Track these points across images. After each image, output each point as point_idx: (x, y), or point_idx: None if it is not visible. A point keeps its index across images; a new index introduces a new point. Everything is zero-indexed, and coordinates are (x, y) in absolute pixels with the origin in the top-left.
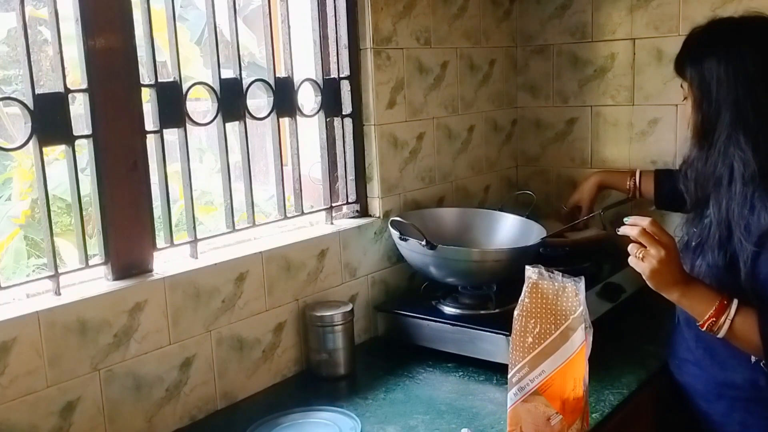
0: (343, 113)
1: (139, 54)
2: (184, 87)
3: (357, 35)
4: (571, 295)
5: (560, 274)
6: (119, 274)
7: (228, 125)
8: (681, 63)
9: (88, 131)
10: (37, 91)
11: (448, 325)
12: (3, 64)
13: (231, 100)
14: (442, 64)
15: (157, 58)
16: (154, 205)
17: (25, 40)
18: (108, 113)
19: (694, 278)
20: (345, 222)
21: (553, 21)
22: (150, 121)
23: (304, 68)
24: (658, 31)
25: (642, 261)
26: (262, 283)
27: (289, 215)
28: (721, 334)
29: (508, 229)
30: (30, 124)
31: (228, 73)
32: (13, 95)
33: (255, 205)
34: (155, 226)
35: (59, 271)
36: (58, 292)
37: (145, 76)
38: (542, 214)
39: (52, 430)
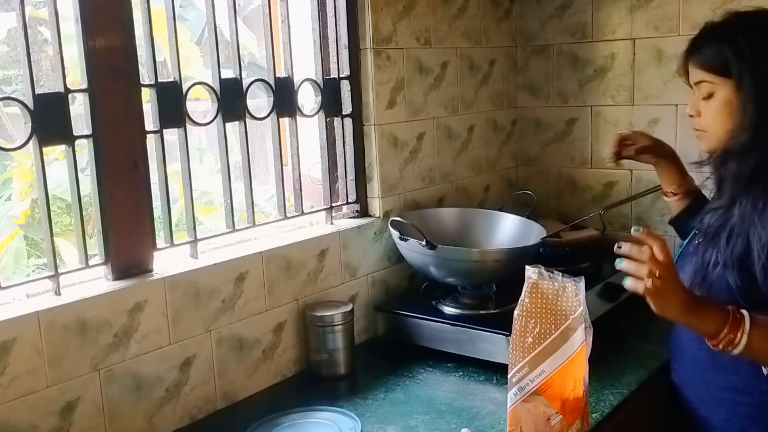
0: (343, 113)
1: (139, 54)
2: (184, 87)
3: (357, 35)
4: (571, 295)
5: (560, 274)
6: (119, 274)
7: (228, 125)
8: (709, 54)
9: (88, 131)
10: (37, 91)
11: (448, 325)
12: (3, 64)
13: (231, 100)
14: (442, 64)
15: (157, 58)
16: (154, 205)
17: (25, 40)
18: (108, 113)
19: (697, 296)
20: (345, 222)
21: (553, 21)
22: (150, 121)
23: (304, 68)
24: (658, 31)
25: (644, 283)
26: (262, 283)
27: (289, 215)
28: (738, 351)
29: (508, 229)
30: (30, 124)
31: (228, 73)
32: (13, 95)
33: (255, 205)
34: (155, 226)
35: (59, 271)
36: (58, 292)
37: (145, 76)
38: (542, 214)
39: (52, 430)
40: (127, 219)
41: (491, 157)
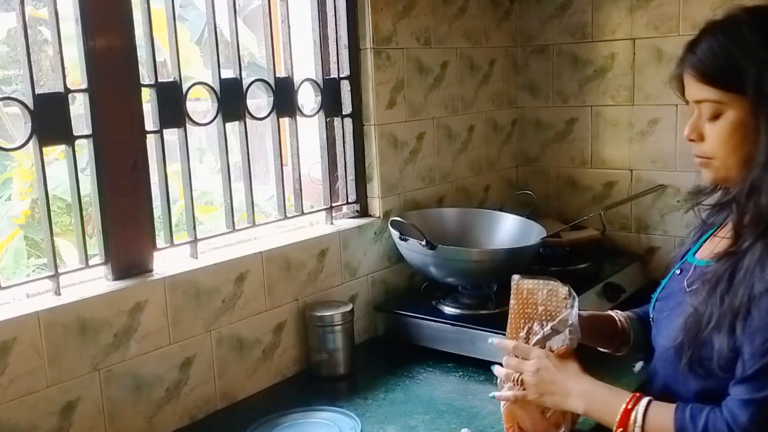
0: (343, 113)
1: (139, 54)
2: (184, 87)
3: (357, 35)
4: (561, 297)
5: (552, 279)
6: (119, 274)
7: (228, 125)
8: (720, 70)
9: (88, 131)
10: (37, 91)
11: (448, 325)
12: (3, 64)
13: (231, 100)
14: (442, 64)
15: (157, 58)
16: (154, 205)
17: (25, 40)
18: (108, 113)
19: (592, 379)
20: (345, 222)
21: (553, 21)
22: (150, 121)
23: (304, 68)
24: (658, 31)
25: (521, 383)
26: (262, 283)
27: (289, 215)
28: (637, 427)
29: (508, 229)
30: (30, 124)
31: (228, 73)
32: (13, 95)
33: (255, 205)
34: (155, 226)
35: (59, 271)
36: (58, 292)
37: (145, 76)
38: (542, 214)
39: (52, 430)
40: (127, 219)
41: (491, 157)
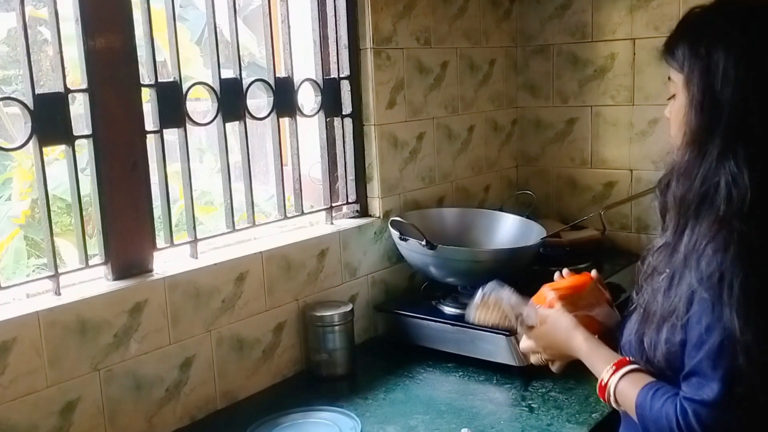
0: (343, 113)
1: (139, 54)
2: (184, 87)
3: (357, 35)
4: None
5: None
6: (119, 274)
7: (228, 125)
8: (674, 47)
9: (88, 131)
10: (37, 91)
11: (448, 325)
12: (3, 64)
13: (231, 100)
14: (442, 64)
15: (157, 58)
16: (154, 205)
17: (25, 40)
18: (108, 113)
19: (595, 343)
20: (345, 222)
21: (553, 21)
22: (150, 121)
23: (304, 68)
24: (658, 31)
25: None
26: (262, 283)
27: (289, 215)
28: (612, 401)
29: (508, 229)
30: (30, 124)
31: (228, 73)
32: (13, 95)
33: (255, 205)
34: (155, 226)
35: (59, 271)
36: (58, 292)
37: (145, 76)
38: (542, 214)
39: (52, 430)
40: (127, 219)
41: (491, 157)
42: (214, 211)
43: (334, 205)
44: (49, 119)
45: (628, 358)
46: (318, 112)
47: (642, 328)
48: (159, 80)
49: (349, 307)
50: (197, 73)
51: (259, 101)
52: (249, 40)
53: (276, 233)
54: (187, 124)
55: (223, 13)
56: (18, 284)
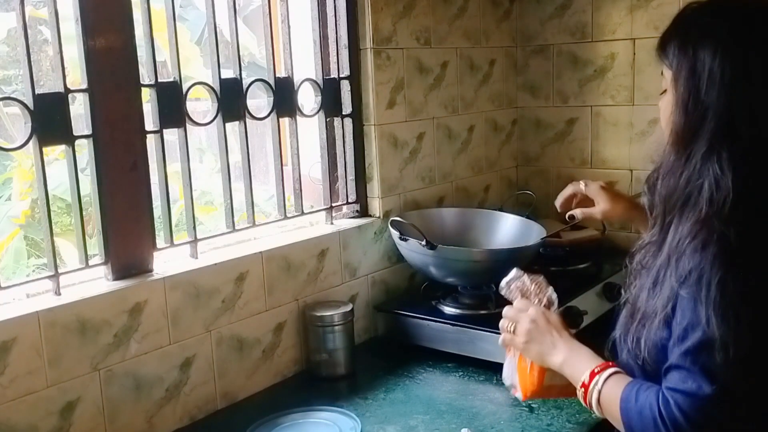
0: (343, 113)
1: (139, 54)
2: (184, 87)
3: (357, 35)
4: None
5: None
6: (119, 274)
7: (228, 125)
8: (666, 44)
9: (88, 131)
10: (37, 91)
11: (448, 325)
12: (3, 64)
13: (231, 100)
14: (442, 64)
15: (157, 58)
16: (154, 205)
17: (25, 40)
18: (108, 113)
19: (578, 342)
20: (345, 222)
21: (553, 21)
22: (150, 121)
23: (304, 68)
24: (658, 31)
25: (514, 333)
26: (262, 283)
27: (289, 215)
28: (594, 405)
29: (508, 229)
30: (30, 124)
31: (228, 73)
32: (13, 95)
33: (255, 205)
34: (155, 226)
35: (59, 271)
36: (58, 292)
37: (145, 76)
38: (542, 214)
39: (52, 430)
40: (127, 219)
41: (491, 157)
42: (214, 211)
43: (334, 205)
44: (49, 119)
45: (611, 362)
46: (318, 112)
47: (629, 324)
48: (159, 80)
49: (349, 307)
50: (197, 73)
51: (259, 101)
52: (249, 40)
53: (276, 233)
54: (187, 124)
55: (223, 13)
56: (18, 284)
